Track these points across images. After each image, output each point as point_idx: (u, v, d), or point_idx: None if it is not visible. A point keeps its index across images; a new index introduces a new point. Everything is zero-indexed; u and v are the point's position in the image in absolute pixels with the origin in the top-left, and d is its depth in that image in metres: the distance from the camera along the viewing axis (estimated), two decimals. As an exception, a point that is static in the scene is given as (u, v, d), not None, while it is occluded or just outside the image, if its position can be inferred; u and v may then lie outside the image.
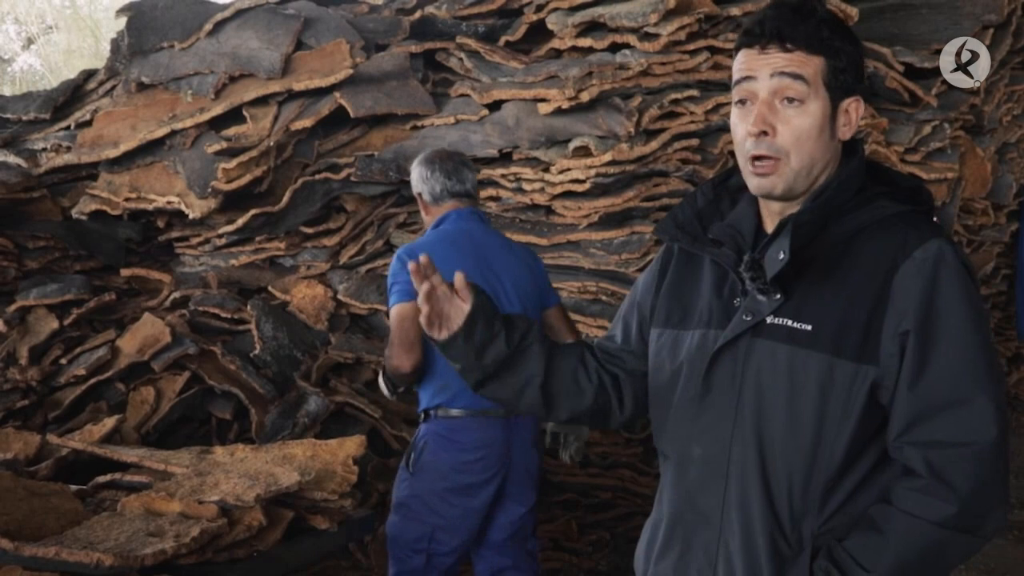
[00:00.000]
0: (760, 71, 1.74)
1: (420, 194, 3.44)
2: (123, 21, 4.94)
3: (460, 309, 1.88)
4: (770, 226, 1.83)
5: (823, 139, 1.74)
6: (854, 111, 1.77)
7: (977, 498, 1.64)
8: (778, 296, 1.71)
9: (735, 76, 1.79)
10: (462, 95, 4.62)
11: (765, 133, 1.73)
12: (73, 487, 3.07)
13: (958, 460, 1.64)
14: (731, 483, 1.77)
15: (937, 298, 1.66)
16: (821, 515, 1.72)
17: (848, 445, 1.69)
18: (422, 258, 1.84)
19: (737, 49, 1.80)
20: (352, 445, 3.25)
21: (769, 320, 1.73)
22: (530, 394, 1.97)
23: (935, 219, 1.82)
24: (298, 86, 4.55)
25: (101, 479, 3.16)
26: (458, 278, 1.87)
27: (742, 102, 1.77)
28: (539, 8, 4.55)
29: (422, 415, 3.30)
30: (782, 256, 1.67)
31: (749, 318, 1.75)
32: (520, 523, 3.42)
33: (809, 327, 1.70)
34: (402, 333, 3.15)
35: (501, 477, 3.29)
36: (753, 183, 1.78)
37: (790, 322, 1.72)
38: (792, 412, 1.71)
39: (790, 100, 1.72)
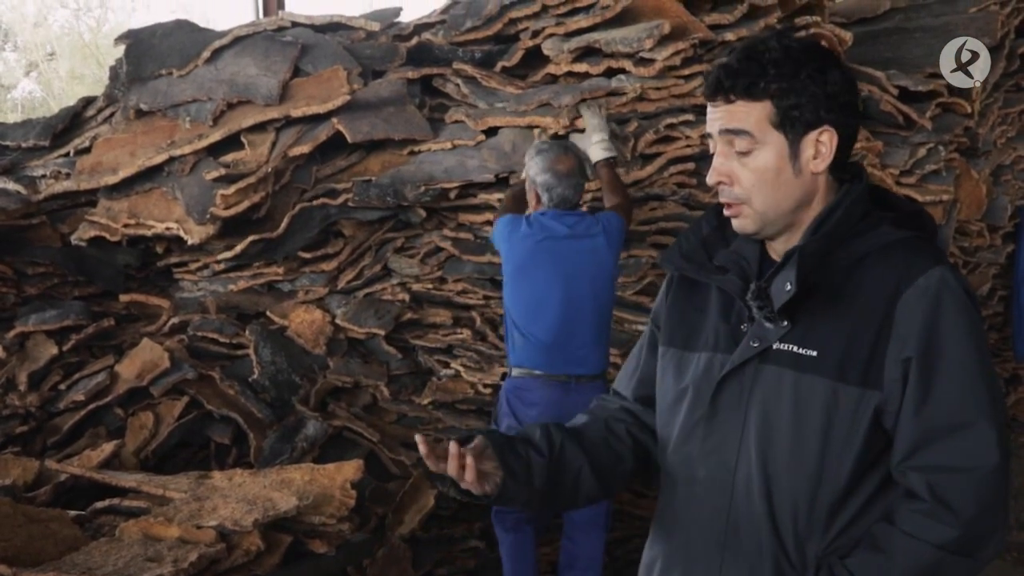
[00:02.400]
0: (713, 126, 1.80)
1: (535, 184, 3.94)
2: (123, 48, 4.97)
3: (489, 460, 1.85)
4: (774, 253, 1.85)
5: (784, 179, 1.76)
6: (826, 141, 1.76)
7: (978, 522, 1.66)
8: (784, 324, 1.73)
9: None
10: (457, 121, 4.65)
11: (723, 183, 1.79)
12: (72, 513, 3.08)
13: (960, 485, 1.66)
14: (735, 505, 1.78)
15: (940, 325, 1.68)
16: (825, 537, 1.73)
17: (852, 469, 1.71)
18: (452, 446, 1.80)
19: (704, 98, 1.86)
20: (350, 469, 3.26)
21: (775, 346, 1.75)
22: (585, 484, 1.96)
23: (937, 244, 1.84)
24: (296, 112, 4.57)
25: (100, 504, 3.16)
26: (476, 444, 1.84)
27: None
28: (535, 34, 4.58)
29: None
30: (789, 287, 1.69)
31: (756, 344, 1.76)
32: None
33: (814, 353, 1.72)
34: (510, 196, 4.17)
35: None
36: (733, 225, 1.84)
37: (796, 348, 1.73)
38: (797, 436, 1.73)
39: (740, 152, 1.76)
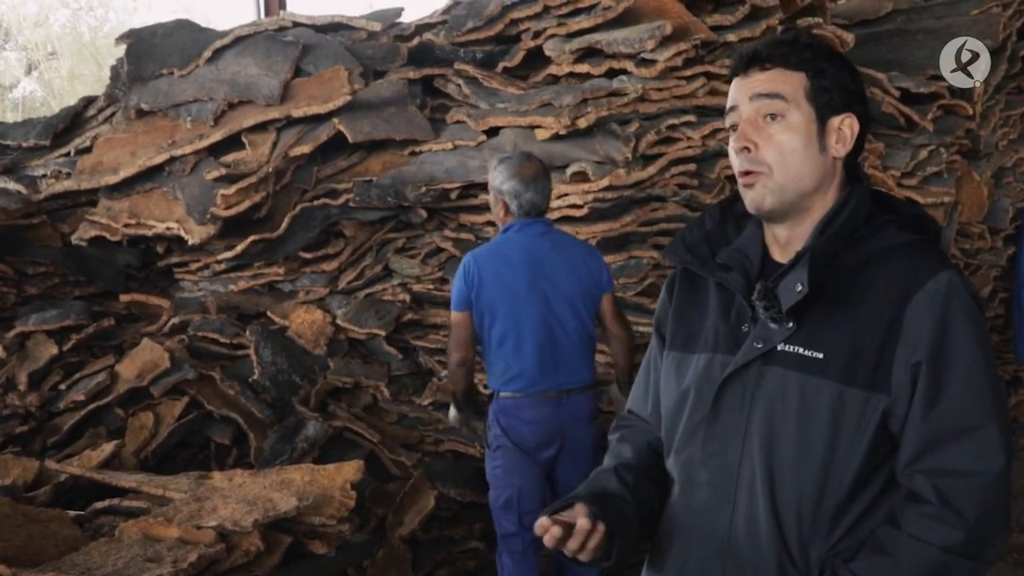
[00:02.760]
0: (742, 97, 1.79)
1: (501, 194, 3.81)
2: (124, 48, 4.97)
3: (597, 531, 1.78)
4: (776, 252, 1.85)
5: (810, 154, 1.76)
6: (848, 128, 1.79)
7: (984, 525, 1.66)
8: (790, 325, 1.73)
9: (727, 106, 1.84)
10: (458, 121, 4.65)
11: (747, 149, 1.77)
12: (71, 513, 3.07)
13: (967, 488, 1.66)
14: (738, 508, 1.78)
15: (949, 330, 1.68)
16: (829, 540, 1.72)
17: (857, 472, 1.70)
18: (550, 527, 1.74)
19: (729, 82, 1.85)
20: (350, 470, 3.25)
21: (780, 347, 1.74)
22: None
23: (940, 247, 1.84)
24: (297, 112, 4.57)
25: (99, 505, 3.16)
26: (573, 515, 1.79)
27: (734, 128, 1.81)
28: (536, 35, 4.58)
29: (491, 396, 3.88)
30: (800, 288, 1.69)
31: (760, 345, 1.75)
32: None
33: (820, 355, 1.71)
34: (456, 335, 3.80)
35: (557, 446, 3.80)
36: (746, 199, 1.81)
37: (801, 350, 1.73)
38: (802, 439, 1.72)
39: (772, 117, 1.76)
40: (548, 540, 1.73)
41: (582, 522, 1.73)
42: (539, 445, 3.78)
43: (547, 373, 3.76)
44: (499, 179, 3.81)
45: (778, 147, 1.75)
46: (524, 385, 3.76)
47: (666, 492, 1.95)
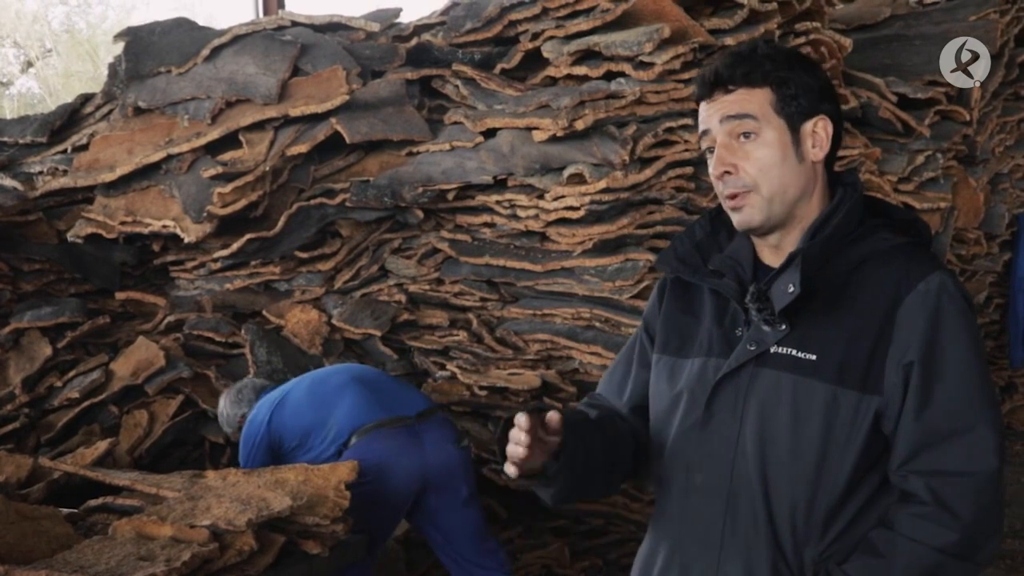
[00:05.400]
0: (712, 120, 1.81)
1: (243, 415, 3.92)
2: (121, 45, 4.97)
3: (550, 441, 1.79)
4: (767, 256, 1.86)
5: (790, 165, 1.78)
6: (822, 130, 1.80)
7: (977, 525, 1.67)
8: (783, 327, 1.73)
9: (699, 130, 1.86)
10: (456, 122, 4.64)
11: (729, 172, 1.79)
12: (64, 510, 3.06)
13: (961, 488, 1.67)
14: (732, 510, 1.78)
15: (941, 330, 1.69)
16: (823, 541, 1.74)
17: (851, 473, 1.72)
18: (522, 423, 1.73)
19: (696, 104, 1.86)
20: (344, 470, 3.25)
21: (773, 350, 1.76)
22: (598, 477, 1.94)
23: (931, 250, 1.85)
24: (294, 112, 4.56)
25: (93, 503, 3.15)
26: (552, 418, 1.77)
27: (710, 151, 1.83)
28: (535, 36, 4.58)
29: None
30: (792, 289, 1.70)
31: (753, 347, 1.77)
32: None
33: (813, 357, 1.72)
34: None
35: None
36: (735, 220, 1.83)
37: (794, 352, 1.74)
38: (796, 440, 1.73)
39: (745, 135, 1.78)
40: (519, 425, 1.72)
41: (525, 421, 1.72)
42: None
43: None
44: (229, 409, 4.02)
45: (757, 164, 1.78)
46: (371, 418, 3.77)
47: (619, 464, 1.97)
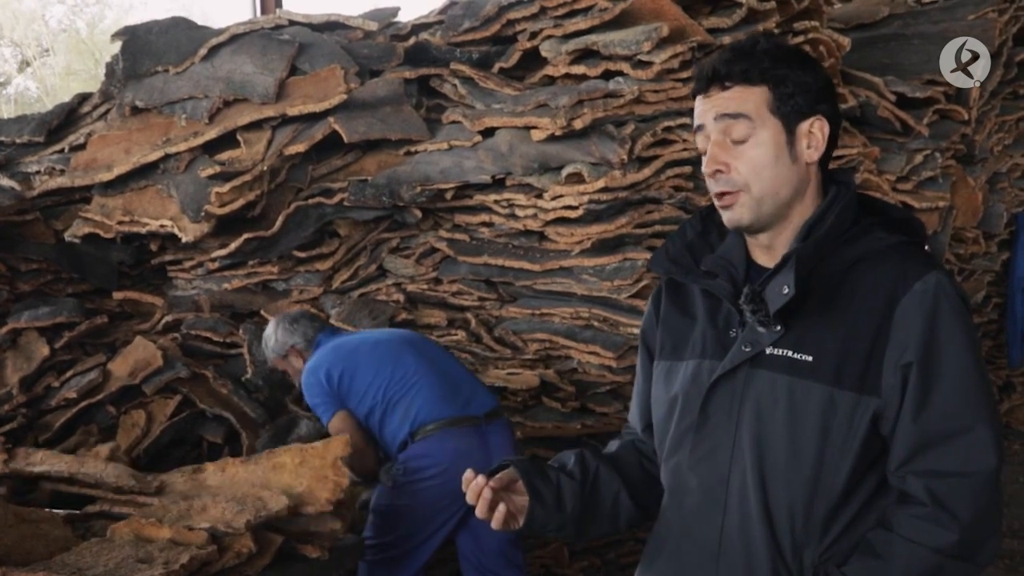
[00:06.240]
0: (707, 116, 1.79)
1: (288, 347, 3.96)
2: (119, 45, 4.96)
3: (520, 493, 1.84)
4: (759, 256, 1.85)
5: (783, 164, 1.76)
6: (818, 131, 1.78)
7: (977, 526, 1.66)
8: (778, 328, 1.72)
9: (694, 124, 1.84)
10: (454, 122, 4.64)
11: (720, 171, 1.77)
12: (63, 513, 3.06)
13: (960, 489, 1.66)
14: (730, 512, 1.77)
15: (938, 331, 1.68)
16: (822, 543, 1.72)
17: (849, 475, 1.70)
18: (479, 480, 1.79)
19: (693, 98, 1.85)
20: (338, 445, 3.23)
21: (768, 351, 1.74)
22: (624, 508, 1.95)
23: (927, 248, 1.84)
24: (292, 111, 4.56)
25: (91, 508, 3.14)
26: (501, 476, 1.83)
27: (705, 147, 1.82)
28: (533, 36, 4.57)
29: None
30: (787, 291, 1.68)
31: (748, 349, 1.75)
32: None
33: (810, 358, 1.71)
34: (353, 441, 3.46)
35: None
36: (724, 218, 1.82)
37: (790, 353, 1.72)
38: (793, 442, 1.71)
39: (737, 140, 1.76)
40: (471, 492, 1.77)
41: (470, 477, 1.78)
42: None
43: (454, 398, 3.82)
44: (275, 342, 4.00)
45: (749, 164, 1.76)
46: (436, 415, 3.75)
47: (642, 491, 1.97)
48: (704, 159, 1.80)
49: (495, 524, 1.77)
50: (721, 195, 1.79)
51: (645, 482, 1.98)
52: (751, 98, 1.76)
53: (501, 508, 1.77)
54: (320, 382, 3.71)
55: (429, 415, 3.62)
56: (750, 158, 1.75)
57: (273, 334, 4.00)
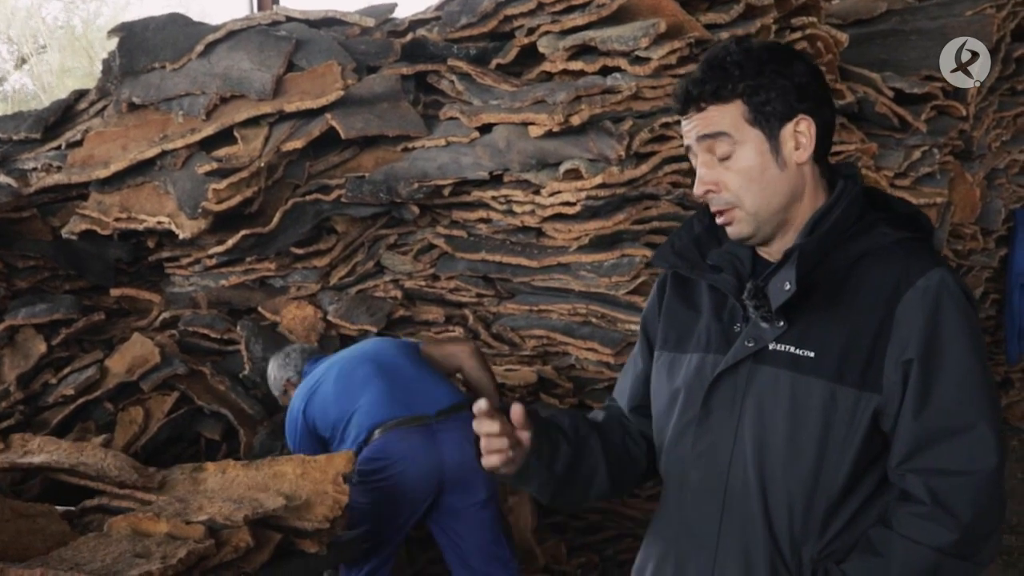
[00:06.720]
0: (690, 137, 1.80)
1: (282, 379, 4.06)
2: (115, 41, 4.95)
3: (523, 436, 1.80)
4: (766, 252, 1.84)
5: (771, 175, 1.76)
6: (804, 129, 1.76)
7: (977, 525, 1.66)
8: (781, 324, 1.72)
9: (684, 146, 1.85)
10: (451, 118, 4.63)
11: (711, 191, 1.78)
12: (60, 508, 3.05)
13: (961, 488, 1.65)
14: (729, 508, 1.77)
15: (941, 327, 1.67)
16: (821, 540, 1.72)
17: (849, 471, 1.70)
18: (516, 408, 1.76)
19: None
20: (341, 461, 3.23)
21: (771, 346, 1.74)
22: (599, 480, 1.95)
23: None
24: (289, 107, 4.55)
25: (89, 502, 3.14)
26: (515, 411, 1.77)
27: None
28: (530, 31, 4.57)
29: None
30: (788, 287, 1.68)
31: (751, 344, 1.75)
32: None
33: (812, 354, 1.70)
34: None
35: None
36: (728, 233, 1.82)
37: (793, 348, 1.72)
38: (794, 438, 1.71)
39: (722, 158, 1.76)
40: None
41: (484, 412, 1.73)
42: None
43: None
44: (274, 369, 4.10)
45: (737, 179, 1.76)
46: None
47: (619, 468, 1.96)
48: (695, 181, 1.81)
49: (488, 463, 1.76)
50: (719, 213, 1.80)
51: (623, 459, 1.98)
52: (727, 115, 1.75)
53: (509, 453, 1.75)
54: (296, 430, 3.81)
55: (375, 419, 3.65)
56: (736, 172, 1.75)
57: (272, 373, 4.09)
